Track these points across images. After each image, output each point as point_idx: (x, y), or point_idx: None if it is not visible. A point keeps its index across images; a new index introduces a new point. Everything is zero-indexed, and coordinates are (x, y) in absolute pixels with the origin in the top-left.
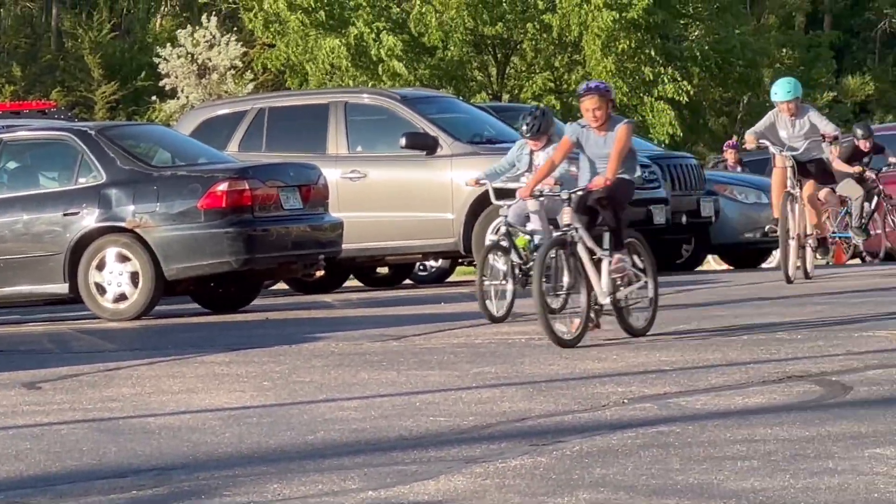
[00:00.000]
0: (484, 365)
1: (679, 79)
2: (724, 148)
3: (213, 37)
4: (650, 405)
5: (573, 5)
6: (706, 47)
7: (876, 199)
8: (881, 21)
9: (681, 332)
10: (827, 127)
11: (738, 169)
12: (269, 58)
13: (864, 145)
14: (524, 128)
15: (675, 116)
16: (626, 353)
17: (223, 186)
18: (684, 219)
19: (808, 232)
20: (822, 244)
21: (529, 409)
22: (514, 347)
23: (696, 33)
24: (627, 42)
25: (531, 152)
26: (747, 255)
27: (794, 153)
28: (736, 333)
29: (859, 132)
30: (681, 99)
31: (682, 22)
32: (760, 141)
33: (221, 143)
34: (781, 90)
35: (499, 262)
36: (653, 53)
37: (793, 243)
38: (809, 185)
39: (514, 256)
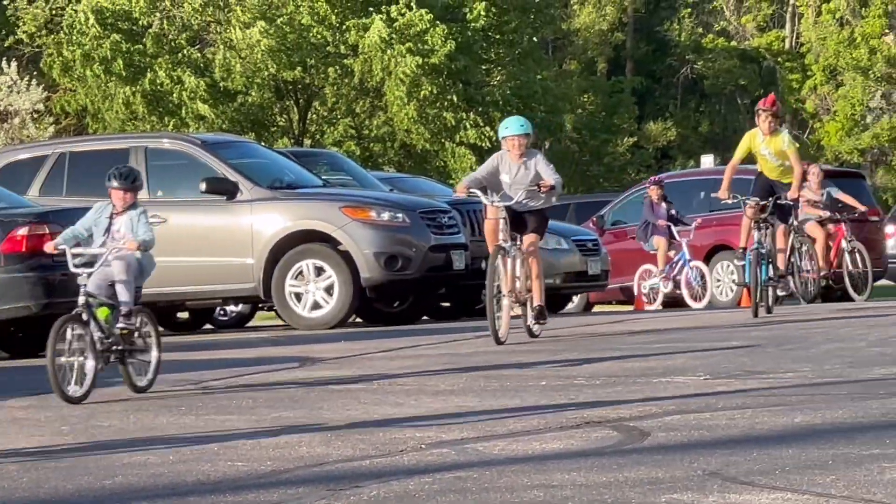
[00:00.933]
0: (282, 409)
1: (481, 124)
2: (647, 185)
3: (14, 82)
4: (448, 450)
5: (376, 50)
6: (508, 92)
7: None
8: (683, 67)
9: (480, 377)
10: (550, 177)
11: (663, 205)
12: (68, 101)
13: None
14: (115, 182)
15: (477, 162)
16: (424, 399)
17: (23, 231)
18: (483, 264)
19: (527, 288)
20: (540, 314)
21: (327, 453)
22: (312, 392)
23: (497, 78)
24: (430, 88)
25: (111, 216)
26: (549, 299)
27: (508, 203)
28: (534, 378)
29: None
30: (483, 144)
31: (483, 67)
32: (471, 190)
33: (23, 188)
34: (513, 124)
35: (75, 336)
36: (455, 99)
37: (506, 301)
38: (530, 238)
39: (94, 329)
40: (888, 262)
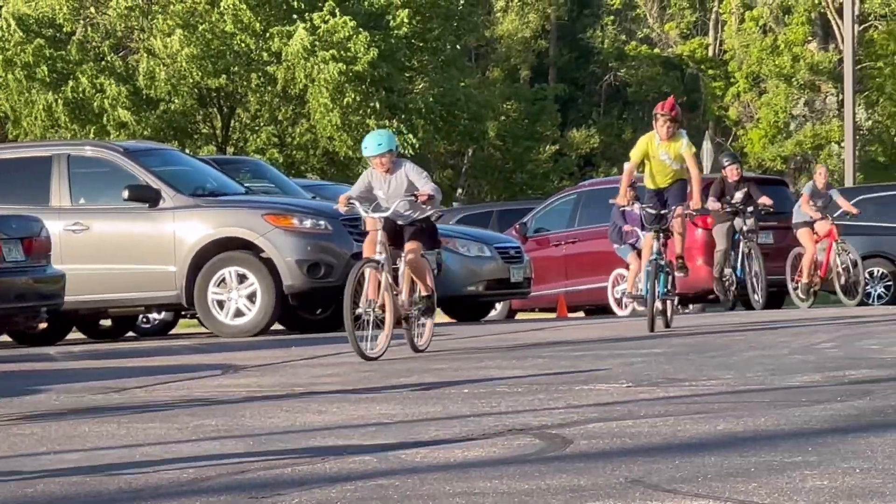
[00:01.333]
0: (204, 417)
1: (404, 131)
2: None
3: None
4: (370, 458)
5: (299, 58)
6: (431, 100)
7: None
8: (606, 74)
9: (402, 385)
10: (425, 186)
11: (636, 207)
12: None
13: (731, 173)
14: None
15: None
16: (347, 406)
17: None
18: None
19: (410, 301)
20: (429, 308)
21: (249, 461)
22: (234, 400)
23: (420, 86)
24: (353, 95)
25: None
26: (470, 307)
27: (384, 214)
28: (457, 386)
29: (725, 161)
30: (406, 152)
31: (406, 75)
32: (350, 202)
33: None
34: (371, 144)
35: None
36: (378, 106)
37: (371, 315)
38: (409, 247)
39: None
40: None
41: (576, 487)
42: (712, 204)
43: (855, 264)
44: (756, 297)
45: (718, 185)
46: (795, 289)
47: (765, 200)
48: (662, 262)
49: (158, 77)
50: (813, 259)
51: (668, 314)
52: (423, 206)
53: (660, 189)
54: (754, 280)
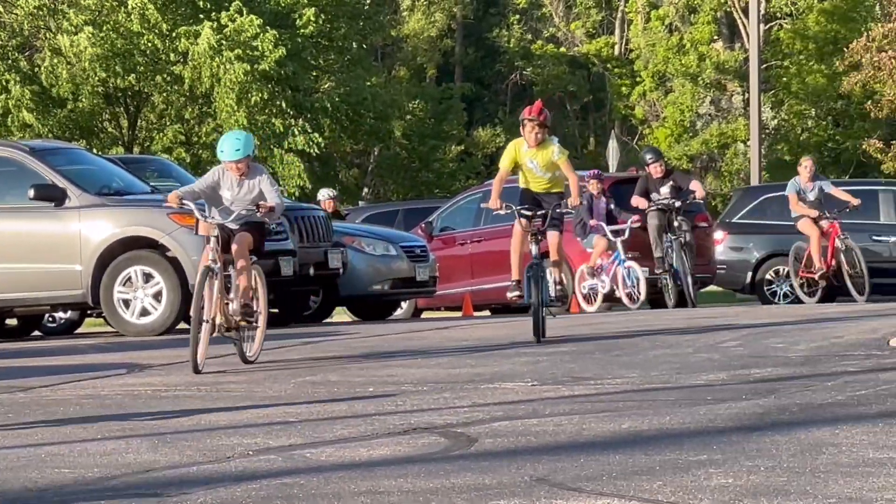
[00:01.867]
0: (110, 416)
1: (309, 130)
2: (587, 178)
3: None
4: (275, 457)
5: (205, 57)
6: (337, 99)
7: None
8: (512, 73)
9: (307, 383)
10: (274, 198)
11: (602, 200)
12: None
13: (655, 170)
14: None
15: (305, 168)
16: (253, 405)
17: None
18: (312, 270)
19: (234, 318)
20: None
21: (155, 460)
22: (140, 399)
23: (327, 85)
24: (259, 94)
25: None
26: (375, 306)
27: (221, 222)
28: (362, 385)
29: (648, 158)
30: (311, 151)
31: (313, 74)
32: (184, 202)
33: None
34: (228, 148)
35: None
36: (284, 105)
37: (206, 327)
38: (234, 250)
39: None
40: (717, 267)
41: (480, 486)
42: (639, 201)
43: (859, 260)
44: (689, 293)
45: (643, 184)
46: (801, 285)
47: (695, 186)
48: (544, 269)
49: (61, 76)
50: (819, 245)
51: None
52: (262, 218)
53: (536, 193)
54: (683, 277)
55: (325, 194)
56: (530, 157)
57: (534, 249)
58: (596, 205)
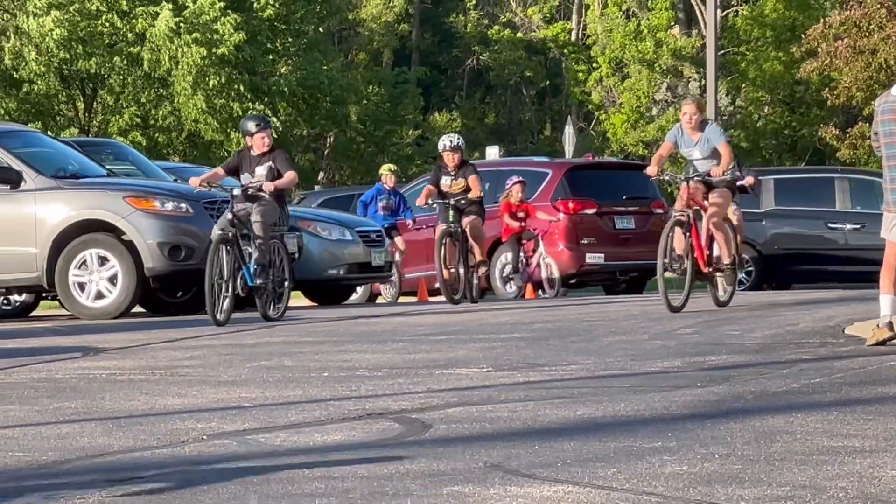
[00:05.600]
0: (64, 400)
1: (268, 114)
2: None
3: None
4: (229, 441)
5: (163, 39)
6: (294, 83)
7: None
8: (469, 58)
9: (262, 367)
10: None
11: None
12: None
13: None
14: None
15: None
16: (207, 390)
17: None
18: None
19: None
20: None
21: (108, 444)
22: (94, 383)
23: (284, 69)
24: (217, 78)
25: None
26: (331, 291)
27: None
28: (316, 370)
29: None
30: None
31: (269, 57)
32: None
33: None
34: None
35: None
36: (242, 89)
37: None
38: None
39: None
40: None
41: (435, 472)
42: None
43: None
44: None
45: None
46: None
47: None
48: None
49: (28, 58)
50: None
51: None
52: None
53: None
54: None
55: (387, 170)
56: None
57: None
58: None
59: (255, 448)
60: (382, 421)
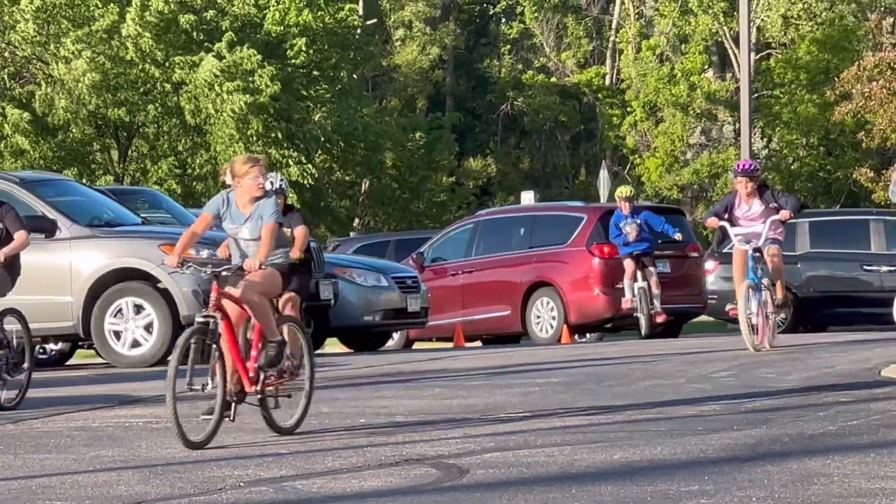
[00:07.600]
0: (101, 448)
1: (303, 161)
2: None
3: None
4: (266, 488)
5: (203, 88)
6: (329, 129)
7: None
8: (503, 103)
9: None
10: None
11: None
12: None
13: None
14: None
15: (298, 199)
16: (244, 436)
17: None
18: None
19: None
20: None
21: (146, 492)
22: (131, 431)
23: (318, 115)
24: (257, 126)
25: None
26: (367, 337)
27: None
28: (354, 416)
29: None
30: (304, 181)
31: (304, 104)
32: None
33: None
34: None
35: None
36: (279, 136)
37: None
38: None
39: None
40: (707, 297)
41: None
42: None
43: None
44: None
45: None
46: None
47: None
48: None
49: (58, 104)
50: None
51: None
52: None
53: None
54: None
55: (622, 192)
56: None
57: None
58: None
59: (293, 495)
60: (419, 467)
